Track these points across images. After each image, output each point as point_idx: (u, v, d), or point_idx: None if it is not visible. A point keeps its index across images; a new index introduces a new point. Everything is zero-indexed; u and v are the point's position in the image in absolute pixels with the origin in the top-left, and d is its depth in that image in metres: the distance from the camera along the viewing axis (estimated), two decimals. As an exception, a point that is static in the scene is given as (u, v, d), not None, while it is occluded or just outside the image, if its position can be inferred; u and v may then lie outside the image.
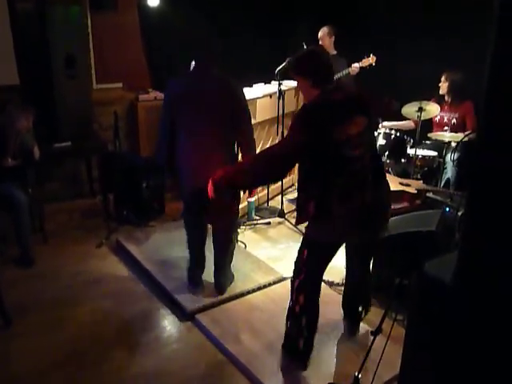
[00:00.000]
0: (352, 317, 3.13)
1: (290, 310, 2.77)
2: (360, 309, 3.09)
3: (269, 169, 2.59)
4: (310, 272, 2.69)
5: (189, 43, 3.16)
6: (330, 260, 2.69)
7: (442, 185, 4.40)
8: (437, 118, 4.88)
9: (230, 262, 3.56)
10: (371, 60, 4.89)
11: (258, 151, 4.84)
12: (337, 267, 3.24)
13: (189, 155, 3.18)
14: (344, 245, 2.88)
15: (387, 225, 2.80)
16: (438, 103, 4.71)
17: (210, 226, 3.53)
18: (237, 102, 3.15)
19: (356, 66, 4.98)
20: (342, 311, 3.18)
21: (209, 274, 3.54)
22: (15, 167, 3.85)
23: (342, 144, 2.45)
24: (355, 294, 3.11)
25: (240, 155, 3.43)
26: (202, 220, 3.43)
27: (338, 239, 2.65)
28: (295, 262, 2.75)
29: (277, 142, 4.79)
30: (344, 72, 5.01)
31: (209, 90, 3.09)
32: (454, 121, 4.75)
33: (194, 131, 3.13)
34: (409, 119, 4.85)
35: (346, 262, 3.03)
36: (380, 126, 4.85)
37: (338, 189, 2.48)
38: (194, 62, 3.26)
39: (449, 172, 4.52)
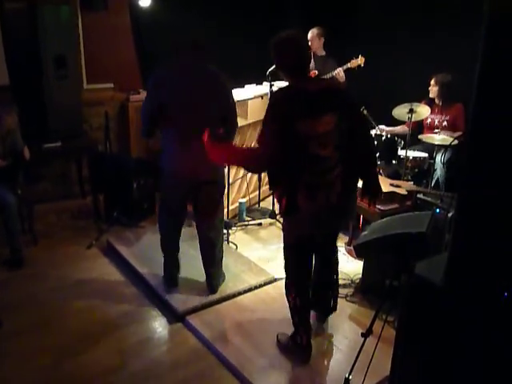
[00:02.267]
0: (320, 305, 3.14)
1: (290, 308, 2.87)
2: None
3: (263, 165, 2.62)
4: (297, 272, 2.80)
5: (177, 40, 3.13)
6: (306, 257, 2.81)
7: (431, 186, 4.42)
8: (428, 121, 4.91)
9: (221, 260, 3.55)
10: (360, 61, 4.90)
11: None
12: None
13: (181, 151, 3.13)
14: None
15: (344, 223, 2.88)
16: (429, 106, 4.74)
17: (194, 227, 3.51)
18: (227, 96, 3.15)
19: (339, 70, 4.94)
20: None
21: (200, 275, 3.54)
22: (4, 168, 3.82)
23: (309, 140, 2.46)
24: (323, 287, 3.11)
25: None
26: (181, 220, 3.42)
27: (304, 234, 2.69)
28: (285, 266, 2.87)
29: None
30: (328, 75, 4.96)
31: (196, 79, 3.07)
32: (445, 123, 4.78)
33: (188, 127, 3.09)
34: (402, 122, 4.86)
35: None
36: (377, 129, 4.85)
37: (305, 186, 2.52)
38: (179, 55, 3.21)
39: (438, 173, 4.55)
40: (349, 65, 4.94)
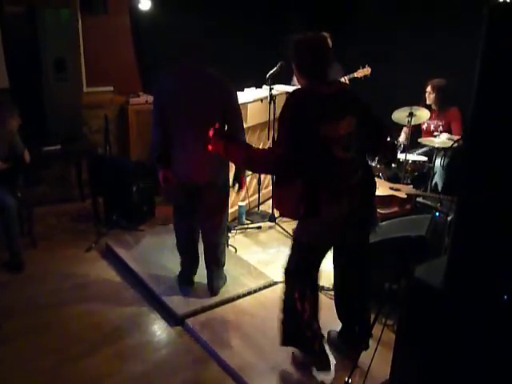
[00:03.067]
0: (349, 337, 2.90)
1: (298, 319, 2.70)
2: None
3: (276, 170, 2.53)
4: (305, 277, 2.67)
5: (179, 44, 3.14)
6: (319, 262, 2.67)
7: (431, 188, 4.42)
8: (424, 126, 4.93)
9: (223, 262, 3.56)
10: (366, 71, 4.91)
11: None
12: (325, 271, 3.22)
13: (182, 151, 3.17)
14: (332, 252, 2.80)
15: (373, 229, 2.75)
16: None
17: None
18: (228, 98, 3.14)
19: (345, 78, 4.96)
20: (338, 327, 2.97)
21: (201, 276, 3.54)
22: (5, 170, 3.82)
23: (332, 142, 2.39)
24: (350, 308, 2.89)
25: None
26: (195, 220, 3.42)
27: (325, 241, 2.61)
28: (286, 271, 2.72)
29: (269, 144, 4.82)
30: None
31: (198, 84, 3.09)
32: (441, 128, 4.79)
33: (186, 127, 3.12)
34: (401, 126, 4.86)
35: (334, 271, 2.89)
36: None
37: (327, 190, 2.45)
38: (183, 60, 3.23)
39: (437, 177, 4.55)
40: (355, 74, 4.96)
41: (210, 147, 2.53)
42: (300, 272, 2.66)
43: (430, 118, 4.84)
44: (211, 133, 2.50)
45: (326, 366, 2.72)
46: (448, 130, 4.77)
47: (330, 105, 2.42)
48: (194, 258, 3.55)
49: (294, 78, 5.44)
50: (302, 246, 2.63)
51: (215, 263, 3.48)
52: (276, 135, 2.54)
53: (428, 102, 4.85)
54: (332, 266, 2.86)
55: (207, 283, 3.49)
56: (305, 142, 2.39)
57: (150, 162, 3.38)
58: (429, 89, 4.79)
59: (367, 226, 2.71)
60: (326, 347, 2.77)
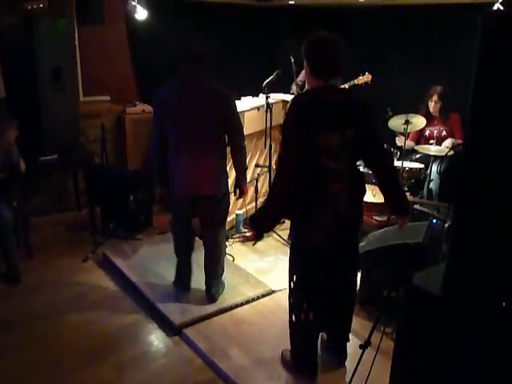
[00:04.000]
0: (334, 342, 2.95)
1: (294, 326, 2.74)
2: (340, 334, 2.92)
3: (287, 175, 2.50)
4: (302, 286, 2.67)
5: (176, 55, 3.15)
6: (318, 271, 2.65)
7: (425, 193, 4.43)
8: (426, 133, 4.93)
9: (222, 270, 3.57)
10: (367, 78, 4.93)
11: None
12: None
13: (180, 164, 3.19)
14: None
15: (357, 234, 2.77)
16: (427, 119, 4.77)
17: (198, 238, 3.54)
18: (228, 110, 3.16)
19: (345, 86, 4.97)
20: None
21: (198, 283, 3.54)
22: (0, 181, 3.81)
23: (323, 152, 2.39)
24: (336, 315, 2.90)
25: (231, 160, 3.40)
26: (191, 230, 3.43)
27: (316, 246, 2.59)
28: (289, 281, 2.73)
29: (265, 154, 4.83)
30: None
31: (198, 98, 3.10)
32: (444, 133, 4.82)
33: (185, 140, 3.15)
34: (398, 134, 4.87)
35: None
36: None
37: (313, 197, 2.47)
38: (181, 72, 3.25)
39: (433, 184, 4.56)
40: (355, 81, 4.97)
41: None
42: (298, 279, 2.68)
43: (433, 125, 4.86)
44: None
45: (311, 379, 2.75)
46: (451, 135, 4.78)
47: (331, 113, 2.39)
48: (189, 264, 3.57)
49: (293, 87, 5.46)
50: (296, 251, 2.68)
51: (215, 272, 3.48)
52: (280, 146, 2.55)
53: (431, 111, 4.85)
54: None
55: (206, 291, 3.49)
56: (300, 150, 2.39)
57: (145, 172, 3.39)
58: (435, 98, 4.76)
59: (354, 229, 2.71)
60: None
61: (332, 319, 2.87)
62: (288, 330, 2.81)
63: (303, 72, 5.82)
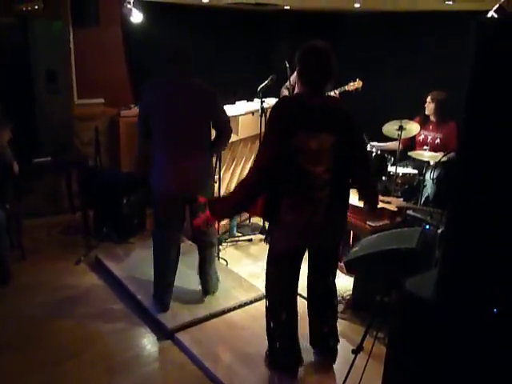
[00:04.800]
0: (318, 342, 3.00)
1: (269, 328, 2.83)
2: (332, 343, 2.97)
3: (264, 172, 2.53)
4: (278, 286, 2.76)
5: (166, 55, 3.15)
6: (293, 270, 2.74)
7: (421, 202, 4.44)
8: (420, 138, 4.94)
9: (215, 266, 3.58)
10: (357, 84, 4.95)
11: (239, 168, 4.87)
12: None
13: (168, 163, 3.17)
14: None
15: (338, 240, 2.84)
16: (423, 123, 4.79)
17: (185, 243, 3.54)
18: (214, 107, 3.17)
19: (335, 92, 4.99)
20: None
21: (189, 290, 3.53)
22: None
23: (299, 153, 2.44)
24: (319, 315, 2.96)
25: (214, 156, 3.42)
26: (178, 235, 3.37)
27: (288, 246, 2.66)
28: (266, 283, 2.84)
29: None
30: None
31: (183, 95, 3.10)
32: (438, 141, 4.81)
33: (172, 138, 3.14)
34: (394, 139, 4.89)
35: (307, 278, 2.95)
36: (371, 147, 4.87)
37: (288, 198, 2.51)
38: (167, 72, 3.24)
39: (428, 190, 4.57)
40: (346, 88, 4.99)
41: (198, 222, 2.70)
42: (273, 281, 2.78)
43: (427, 130, 4.87)
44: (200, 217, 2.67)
45: (295, 375, 2.82)
46: (445, 144, 4.78)
47: (311, 117, 2.46)
48: (173, 280, 3.41)
49: (284, 91, 5.47)
50: (271, 253, 2.75)
51: (209, 263, 3.51)
52: (260, 146, 2.61)
53: (427, 113, 4.86)
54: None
55: (201, 284, 3.51)
56: (279, 149, 2.44)
57: (138, 172, 3.38)
58: (428, 99, 4.81)
59: (328, 237, 2.72)
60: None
61: (314, 324, 2.96)
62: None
63: (293, 76, 5.84)
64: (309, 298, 2.97)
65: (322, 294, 2.94)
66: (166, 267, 3.36)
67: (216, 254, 3.62)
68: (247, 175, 2.59)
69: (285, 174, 2.49)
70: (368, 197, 2.82)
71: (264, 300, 3.56)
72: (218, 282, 3.61)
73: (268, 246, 2.80)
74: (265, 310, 2.85)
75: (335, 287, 2.99)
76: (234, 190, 2.63)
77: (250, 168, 2.61)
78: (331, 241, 2.77)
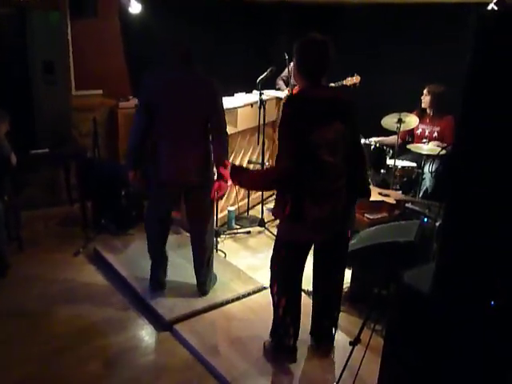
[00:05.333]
0: (318, 332, 3.05)
1: (274, 312, 2.86)
2: (327, 324, 3.01)
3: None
4: (286, 273, 2.78)
5: (166, 45, 3.13)
6: (303, 261, 2.76)
7: (420, 195, 4.45)
8: (418, 131, 4.94)
9: (212, 263, 3.56)
10: (355, 79, 4.93)
11: (238, 160, 4.87)
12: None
13: (167, 152, 3.15)
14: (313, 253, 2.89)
15: (349, 230, 2.86)
16: (420, 116, 4.78)
17: (181, 235, 3.53)
18: (213, 98, 3.14)
19: (333, 86, 4.98)
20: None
21: (187, 283, 3.54)
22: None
23: (320, 147, 2.45)
24: (322, 307, 3.00)
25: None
26: (168, 224, 3.44)
27: (306, 239, 2.70)
28: (271, 266, 2.83)
29: (258, 151, 4.85)
30: None
31: (185, 84, 3.09)
32: (436, 134, 4.81)
33: (172, 127, 3.13)
34: (391, 132, 4.88)
35: (313, 271, 2.96)
36: (370, 140, 4.85)
37: (312, 194, 2.51)
38: (167, 61, 3.22)
39: (427, 183, 4.58)
40: (344, 82, 4.97)
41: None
42: (280, 269, 2.79)
43: (425, 123, 4.87)
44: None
45: (292, 359, 2.87)
46: (442, 137, 4.78)
47: (322, 109, 2.48)
48: (165, 261, 3.55)
49: (279, 82, 5.46)
50: (283, 244, 2.73)
51: (205, 264, 3.47)
52: (278, 148, 2.61)
53: (423, 106, 4.87)
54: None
55: (197, 284, 3.49)
56: (298, 147, 2.45)
57: (126, 163, 3.36)
58: (425, 91, 4.81)
59: (348, 226, 2.80)
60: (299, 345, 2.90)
61: (317, 316, 3.01)
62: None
63: (287, 68, 5.81)
64: (314, 292, 3.00)
65: (330, 288, 2.95)
66: (154, 240, 3.47)
67: (213, 251, 3.57)
68: (273, 172, 2.63)
69: (306, 170, 2.49)
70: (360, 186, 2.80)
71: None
72: (215, 281, 3.59)
73: (279, 238, 2.79)
74: (273, 294, 2.86)
75: (343, 282, 3.00)
76: (256, 177, 2.71)
77: (273, 171, 2.65)
78: (344, 231, 2.81)
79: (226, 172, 2.92)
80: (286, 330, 2.84)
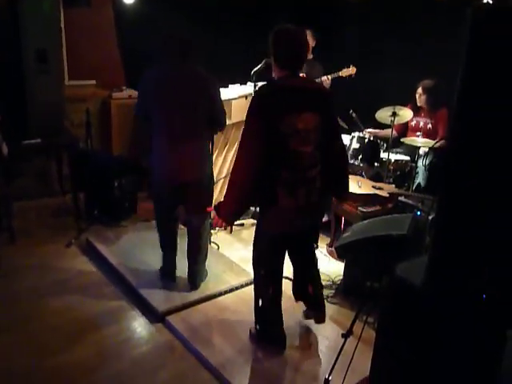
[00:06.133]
0: (307, 299, 3.13)
1: (256, 303, 2.93)
2: (311, 290, 3.07)
3: (247, 166, 2.55)
4: (268, 264, 2.83)
5: (162, 38, 3.11)
6: (282, 250, 2.83)
7: (413, 189, 4.46)
8: (412, 123, 4.95)
9: (205, 258, 3.56)
10: (351, 71, 4.92)
11: (232, 152, 4.85)
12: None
13: (164, 149, 3.16)
14: None
15: (318, 219, 2.96)
16: (415, 110, 4.78)
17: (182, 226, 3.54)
18: (209, 93, 3.13)
19: (327, 77, 4.97)
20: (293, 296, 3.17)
21: (181, 271, 3.54)
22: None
23: (290, 136, 2.46)
24: (303, 278, 3.10)
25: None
26: (175, 218, 3.44)
27: (283, 229, 2.70)
28: (252, 258, 2.91)
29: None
30: (317, 80, 4.99)
31: (183, 81, 3.08)
32: (430, 126, 4.83)
33: (170, 125, 3.12)
34: (385, 125, 4.88)
35: (289, 254, 3.01)
36: (364, 133, 4.84)
37: (285, 183, 2.53)
38: (167, 55, 3.21)
39: (420, 176, 4.59)
40: (339, 73, 4.96)
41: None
42: (262, 259, 2.85)
43: (419, 116, 4.87)
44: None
45: (282, 347, 2.91)
46: (436, 129, 4.80)
47: (294, 98, 2.50)
48: (175, 254, 3.56)
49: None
50: (263, 235, 2.78)
51: (198, 258, 3.47)
52: (242, 131, 2.58)
53: (419, 104, 4.87)
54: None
55: (188, 277, 3.48)
56: (266, 135, 2.46)
57: (130, 156, 3.36)
58: (419, 90, 4.80)
59: (320, 214, 2.94)
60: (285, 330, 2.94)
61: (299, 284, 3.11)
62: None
63: None
64: (293, 265, 3.09)
65: (304, 260, 3.05)
66: (165, 237, 3.50)
67: (207, 247, 3.57)
68: (237, 173, 2.58)
69: (277, 160, 2.51)
70: (338, 186, 2.86)
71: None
72: (204, 278, 3.58)
73: (257, 230, 2.84)
74: (253, 285, 2.95)
75: (315, 255, 3.10)
76: (228, 192, 2.65)
77: (239, 163, 2.57)
78: (316, 220, 2.92)
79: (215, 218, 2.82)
80: (275, 317, 2.89)
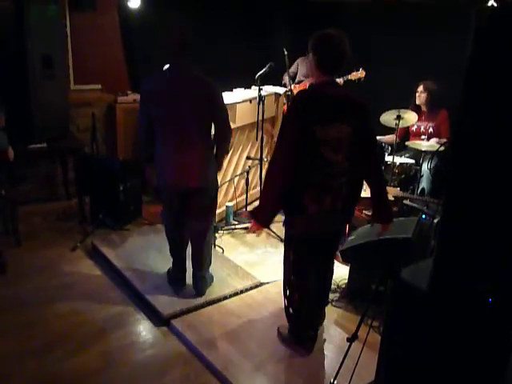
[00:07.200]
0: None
1: (287, 308, 2.94)
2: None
3: (282, 166, 2.55)
4: (297, 270, 2.82)
5: (164, 43, 3.10)
6: (308, 255, 2.79)
7: (418, 192, 4.45)
8: (413, 128, 4.94)
9: (209, 263, 3.55)
10: (360, 74, 4.92)
11: (236, 155, 4.86)
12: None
13: (167, 155, 3.16)
14: None
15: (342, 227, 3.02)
16: (415, 113, 4.77)
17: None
18: (212, 98, 3.11)
19: (339, 80, 4.98)
20: None
21: (188, 273, 3.54)
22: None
23: (323, 143, 2.49)
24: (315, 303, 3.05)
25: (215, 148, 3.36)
26: (184, 220, 3.39)
27: (307, 231, 2.71)
28: (283, 264, 2.89)
29: (256, 147, 4.85)
30: None
31: (184, 87, 3.06)
32: (431, 130, 4.82)
33: (172, 130, 3.11)
34: (389, 129, 4.87)
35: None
36: None
37: (313, 188, 2.55)
38: (168, 62, 3.20)
39: (424, 180, 4.58)
40: (349, 77, 4.96)
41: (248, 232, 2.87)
42: (290, 265, 2.84)
43: (420, 120, 4.86)
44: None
45: (310, 350, 2.94)
46: (438, 132, 4.80)
47: (330, 106, 2.51)
48: (185, 260, 3.54)
49: (285, 77, 5.45)
50: (289, 240, 2.80)
51: (202, 264, 3.46)
52: (278, 135, 2.62)
53: (418, 102, 4.86)
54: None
55: (193, 284, 3.47)
56: (300, 140, 2.48)
57: (134, 159, 3.36)
58: (421, 88, 4.80)
59: (344, 223, 2.98)
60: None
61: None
62: (277, 321, 2.96)
63: (295, 63, 5.77)
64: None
65: (321, 282, 3.00)
66: (174, 244, 3.49)
67: (211, 253, 3.57)
68: (273, 175, 2.60)
69: (307, 165, 2.53)
70: (381, 209, 2.80)
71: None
72: (209, 284, 3.56)
73: (287, 235, 2.85)
74: (287, 288, 2.92)
75: (331, 276, 3.09)
76: (264, 196, 2.72)
77: (273, 165, 2.58)
78: (339, 226, 2.92)
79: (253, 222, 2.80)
80: (304, 324, 2.93)
